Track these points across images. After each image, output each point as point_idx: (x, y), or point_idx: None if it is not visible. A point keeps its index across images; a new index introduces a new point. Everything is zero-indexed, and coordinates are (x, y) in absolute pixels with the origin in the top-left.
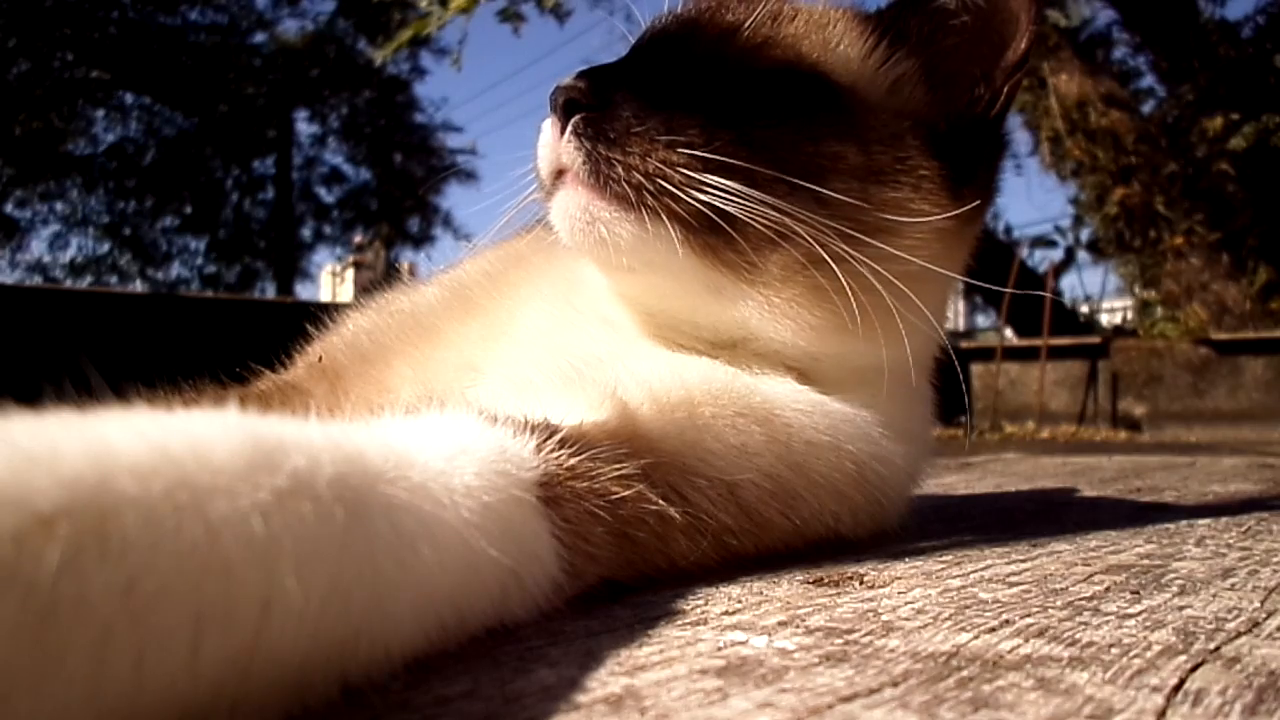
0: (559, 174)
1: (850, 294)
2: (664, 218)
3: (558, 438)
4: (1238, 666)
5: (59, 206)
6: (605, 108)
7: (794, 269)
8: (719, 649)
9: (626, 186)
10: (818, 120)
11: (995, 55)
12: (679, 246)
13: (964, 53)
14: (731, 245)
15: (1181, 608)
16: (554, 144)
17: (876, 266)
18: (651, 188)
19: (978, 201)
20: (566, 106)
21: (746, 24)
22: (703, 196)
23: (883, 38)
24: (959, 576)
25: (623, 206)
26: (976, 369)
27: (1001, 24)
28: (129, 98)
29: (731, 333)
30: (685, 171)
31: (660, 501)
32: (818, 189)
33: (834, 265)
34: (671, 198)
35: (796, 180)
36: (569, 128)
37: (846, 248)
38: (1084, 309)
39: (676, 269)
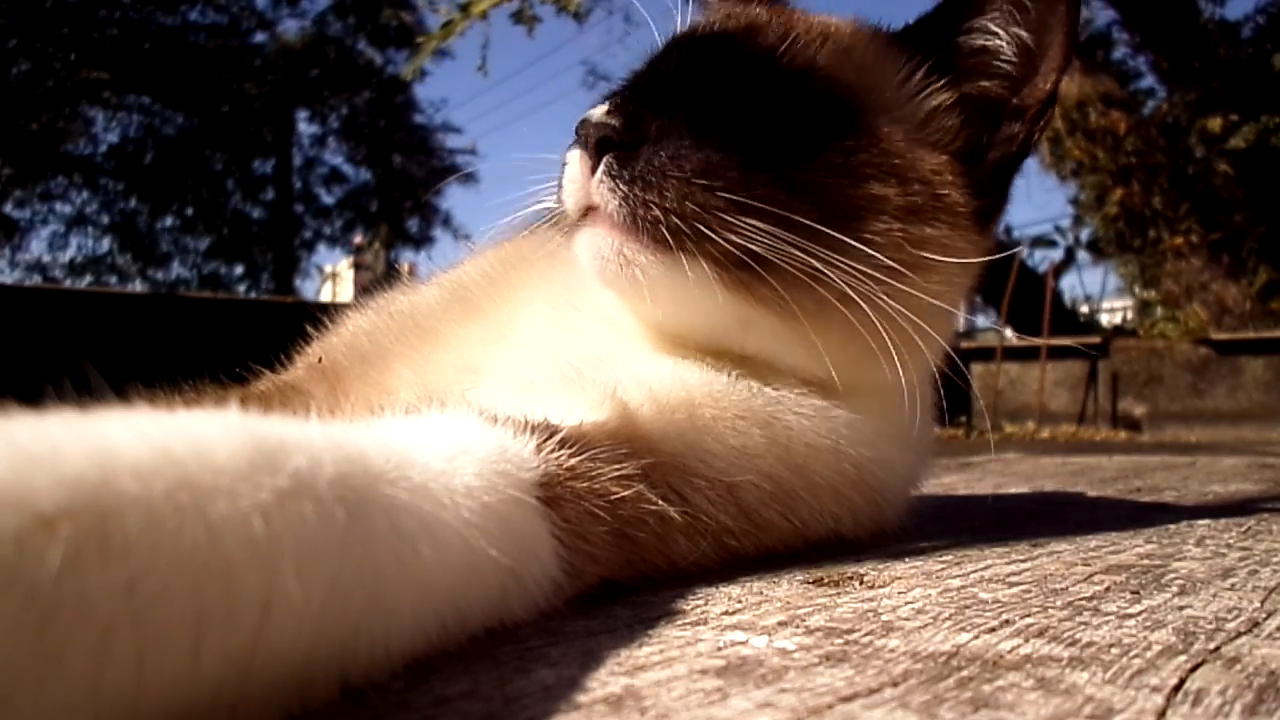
0: (588, 210)
1: (880, 331)
2: (700, 259)
3: (558, 438)
4: (1238, 666)
5: (59, 206)
6: (639, 144)
7: (827, 307)
8: (719, 649)
9: (663, 230)
10: (858, 159)
11: (1030, 92)
12: (716, 287)
13: (1001, 88)
14: (766, 283)
15: (1181, 608)
16: (583, 182)
17: (908, 304)
18: (689, 230)
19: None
20: (600, 145)
21: (783, 48)
22: (740, 240)
23: (922, 65)
24: (959, 576)
25: (658, 249)
26: (976, 369)
27: (1039, 61)
28: (129, 98)
29: (752, 355)
30: (723, 215)
31: (660, 502)
32: (859, 233)
33: (866, 305)
34: (709, 241)
35: (837, 225)
36: (602, 167)
37: (882, 290)
38: (1084, 309)
39: (709, 305)
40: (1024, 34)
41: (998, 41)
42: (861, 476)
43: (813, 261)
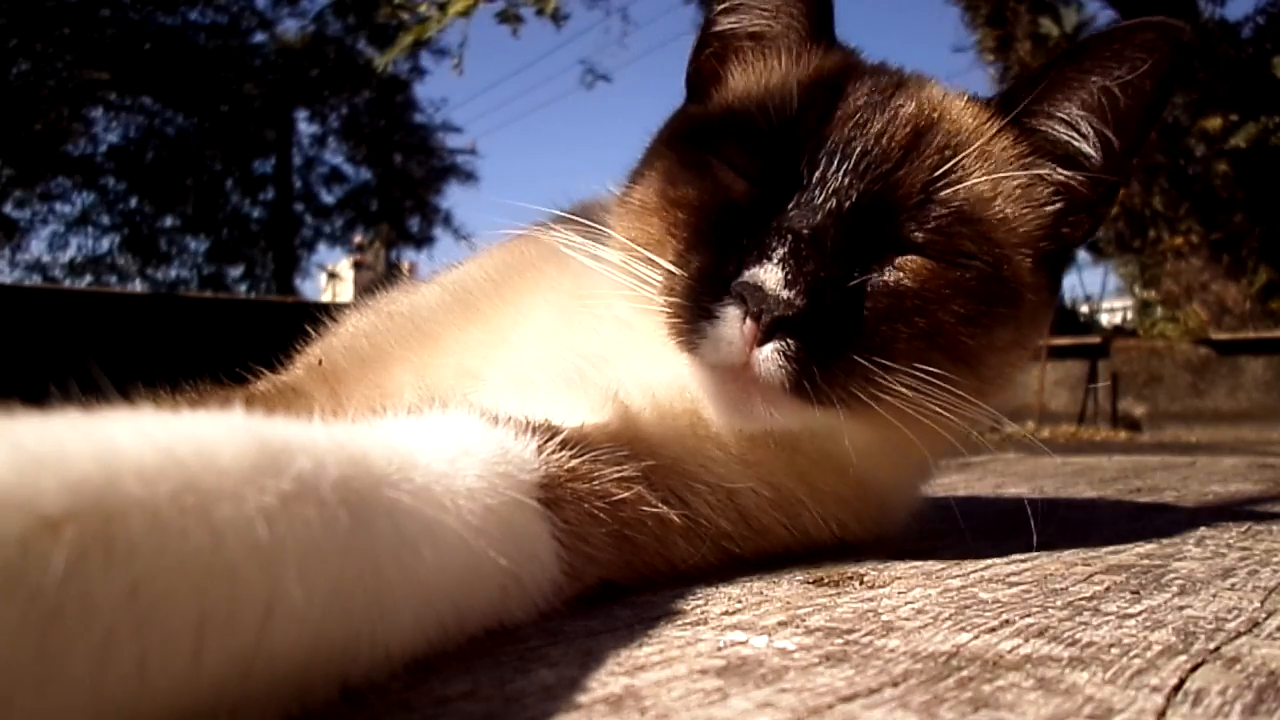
0: (735, 365)
1: (947, 428)
2: (843, 411)
3: (559, 439)
4: (1238, 666)
5: (59, 206)
6: (815, 322)
7: (914, 422)
8: (719, 649)
9: (820, 395)
10: (996, 312)
11: (1102, 184)
12: (844, 424)
13: (1079, 182)
14: (886, 420)
15: (1181, 608)
16: (742, 347)
17: (983, 408)
18: (846, 396)
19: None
20: (776, 324)
21: (957, 187)
22: (891, 401)
23: (1019, 147)
24: (959, 576)
25: (804, 404)
26: None
27: (1117, 155)
28: (129, 98)
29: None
30: (883, 382)
31: (660, 505)
32: (983, 379)
33: (949, 416)
34: (861, 402)
35: (977, 381)
36: (774, 345)
37: (969, 410)
38: (1084, 309)
39: (816, 423)
40: (1108, 131)
41: (1085, 130)
42: (866, 484)
43: (943, 412)
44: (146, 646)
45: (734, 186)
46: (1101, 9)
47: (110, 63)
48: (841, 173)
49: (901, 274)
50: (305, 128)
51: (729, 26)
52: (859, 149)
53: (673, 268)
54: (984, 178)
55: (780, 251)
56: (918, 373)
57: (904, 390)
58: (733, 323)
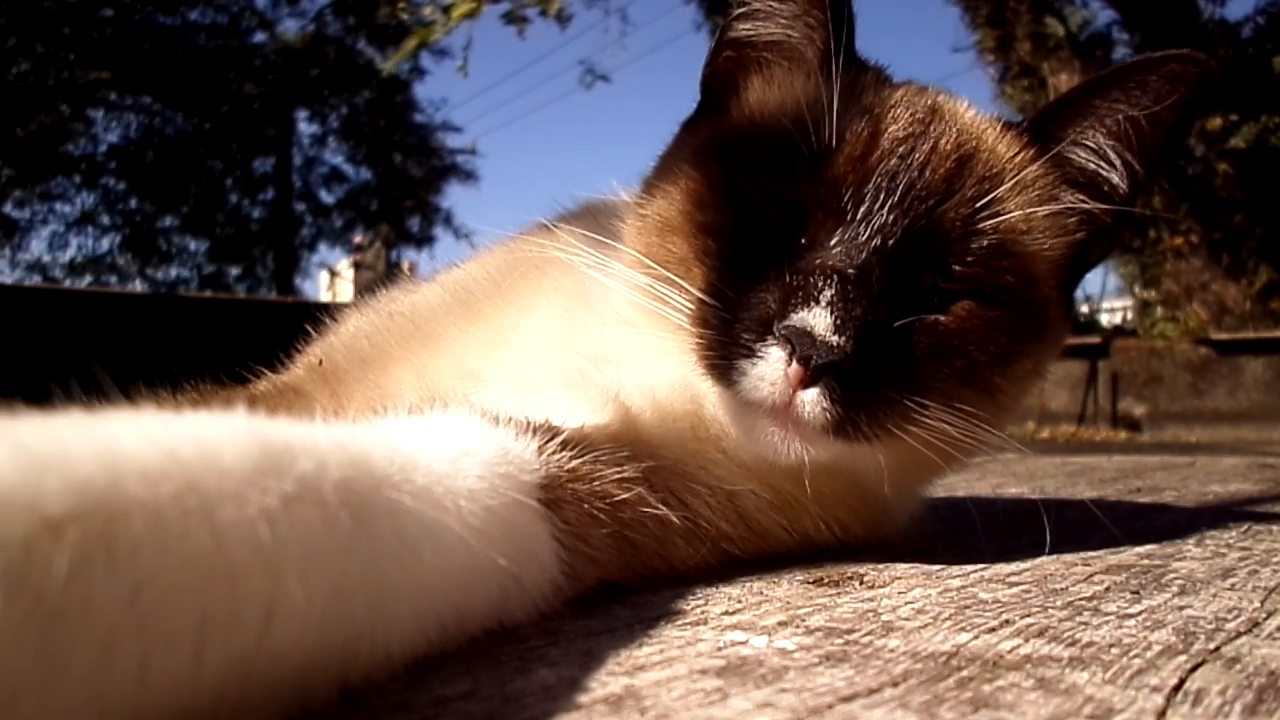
0: (776, 405)
1: (963, 451)
2: (877, 446)
3: (559, 439)
4: (1238, 666)
5: (59, 206)
6: (859, 365)
7: (933, 447)
8: (719, 649)
9: (858, 433)
10: (1025, 347)
11: (1120, 212)
12: (881, 459)
13: (1102, 211)
14: (913, 448)
15: (1181, 608)
16: (784, 387)
17: (998, 434)
18: (881, 433)
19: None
20: (823, 369)
21: (991, 227)
22: (922, 434)
23: (1051, 174)
24: (959, 576)
25: (841, 441)
26: None
27: (1136, 185)
28: (129, 98)
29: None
30: (918, 418)
31: (660, 506)
32: (1004, 408)
33: (968, 443)
34: (895, 437)
35: (988, 406)
36: (820, 389)
37: (987, 436)
38: (1084, 309)
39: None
40: (1134, 160)
41: (1113, 159)
42: (868, 488)
43: (964, 440)
44: (148, 647)
45: (770, 215)
46: (1102, 9)
47: (110, 63)
48: (886, 208)
49: (943, 315)
50: (305, 127)
51: (746, 33)
52: (903, 183)
53: (704, 296)
54: (1020, 209)
55: (828, 294)
56: (949, 409)
57: (933, 424)
58: (776, 364)
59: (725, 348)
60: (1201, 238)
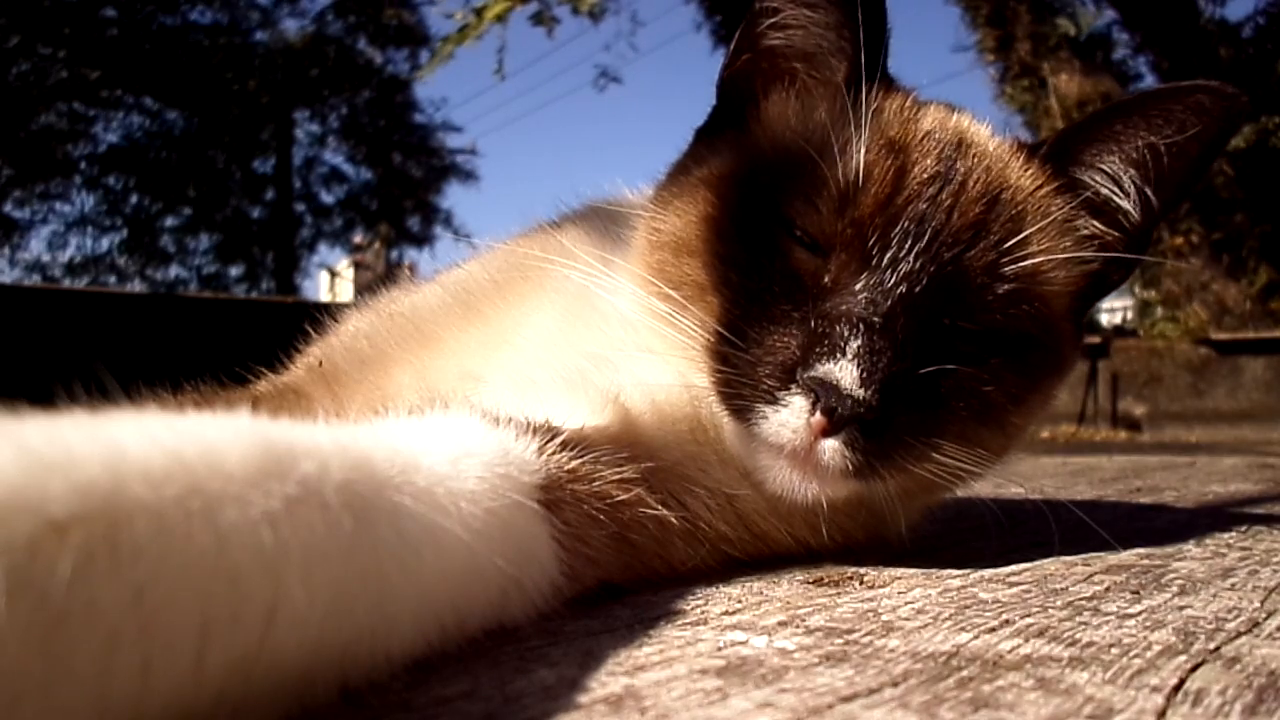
0: (796, 450)
1: (969, 478)
2: (890, 483)
3: (559, 440)
4: (1238, 666)
5: (59, 206)
6: (881, 415)
7: (940, 477)
8: (719, 649)
9: (871, 475)
10: (1040, 385)
11: (1134, 241)
12: (891, 488)
13: (1116, 239)
14: (920, 480)
15: (1181, 608)
16: (805, 436)
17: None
18: (896, 473)
19: None
20: (847, 420)
21: (1015, 271)
22: (935, 470)
23: (1070, 204)
24: (959, 576)
25: (855, 481)
26: None
27: (1152, 215)
28: (130, 97)
29: None
30: (933, 456)
31: (659, 507)
32: (1007, 437)
33: (977, 472)
34: (908, 474)
35: (1000, 440)
36: (842, 439)
37: (994, 464)
38: None
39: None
40: (1149, 190)
41: (1128, 187)
42: (874, 504)
43: (974, 469)
44: (151, 649)
45: (792, 252)
46: (1102, 8)
47: (111, 62)
48: (913, 255)
49: (963, 360)
50: (305, 127)
51: (771, 42)
52: (930, 228)
53: (724, 331)
54: (1044, 252)
55: (854, 346)
56: (964, 447)
57: (947, 461)
58: (799, 412)
59: (745, 388)
60: (1201, 238)
